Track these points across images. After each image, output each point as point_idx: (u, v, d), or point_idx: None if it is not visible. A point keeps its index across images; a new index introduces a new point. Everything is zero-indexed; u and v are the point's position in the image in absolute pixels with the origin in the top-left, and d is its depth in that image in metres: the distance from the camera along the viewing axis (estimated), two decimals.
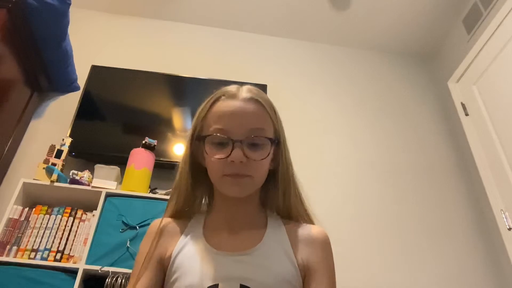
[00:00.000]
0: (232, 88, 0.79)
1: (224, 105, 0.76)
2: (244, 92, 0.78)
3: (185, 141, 0.82)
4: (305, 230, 0.80)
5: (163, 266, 0.75)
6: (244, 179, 0.73)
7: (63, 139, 1.94)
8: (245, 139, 0.73)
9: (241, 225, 0.78)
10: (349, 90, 2.69)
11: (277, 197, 0.82)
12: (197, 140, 0.78)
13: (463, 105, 2.52)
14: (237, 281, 0.68)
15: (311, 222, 0.83)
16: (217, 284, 0.68)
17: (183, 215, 0.82)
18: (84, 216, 1.76)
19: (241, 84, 0.83)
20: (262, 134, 0.75)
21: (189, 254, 0.73)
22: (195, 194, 0.82)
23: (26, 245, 1.66)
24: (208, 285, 0.68)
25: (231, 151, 0.72)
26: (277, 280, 0.70)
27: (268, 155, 0.75)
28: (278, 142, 0.79)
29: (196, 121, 0.80)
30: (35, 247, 1.66)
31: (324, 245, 0.78)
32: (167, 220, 0.81)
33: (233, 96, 0.77)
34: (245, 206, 0.80)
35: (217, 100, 0.78)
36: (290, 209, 0.82)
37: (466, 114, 2.48)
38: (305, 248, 0.76)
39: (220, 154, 0.73)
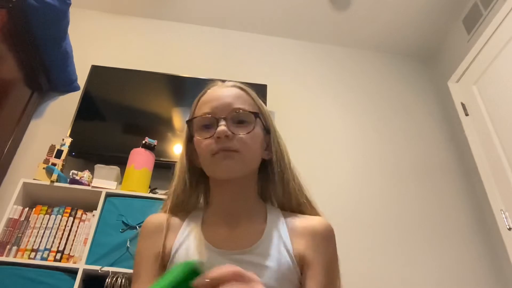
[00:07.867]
0: (217, 82, 0.85)
1: (209, 94, 0.82)
2: (229, 83, 0.84)
3: (181, 142, 0.85)
4: (306, 221, 0.77)
5: (163, 262, 0.74)
6: (232, 154, 0.73)
7: (63, 139, 1.94)
8: (228, 115, 0.76)
9: (239, 219, 0.77)
10: (349, 90, 2.69)
11: (275, 187, 0.80)
12: (187, 126, 0.82)
13: (463, 105, 2.52)
14: None
15: (314, 210, 0.81)
16: None
17: (180, 210, 0.81)
18: (84, 216, 1.76)
19: (241, 83, 0.86)
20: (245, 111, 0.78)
21: (188, 252, 0.72)
22: (192, 191, 0.82)
23: (26, 245, 1.66)
24: None
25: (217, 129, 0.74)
26: (277, 280, 0.68)
27: (253, 128, 0.76)
28: (268, 130, 0.81)
29: (188, 122, 0.83)
30: (35, 247, 1.66)
31: (325, 238, 0.75)
32: (164, 216, 0.80)
33: (217, 86, 0.83)
34: (242, 198, 0.78)
35: (203, 95, 0.83)
36: (290, 198, 0.80)
37: (466, 114, 2.48)
38: (304, 241, 0.74)
39: (207, 135, 0.75)
